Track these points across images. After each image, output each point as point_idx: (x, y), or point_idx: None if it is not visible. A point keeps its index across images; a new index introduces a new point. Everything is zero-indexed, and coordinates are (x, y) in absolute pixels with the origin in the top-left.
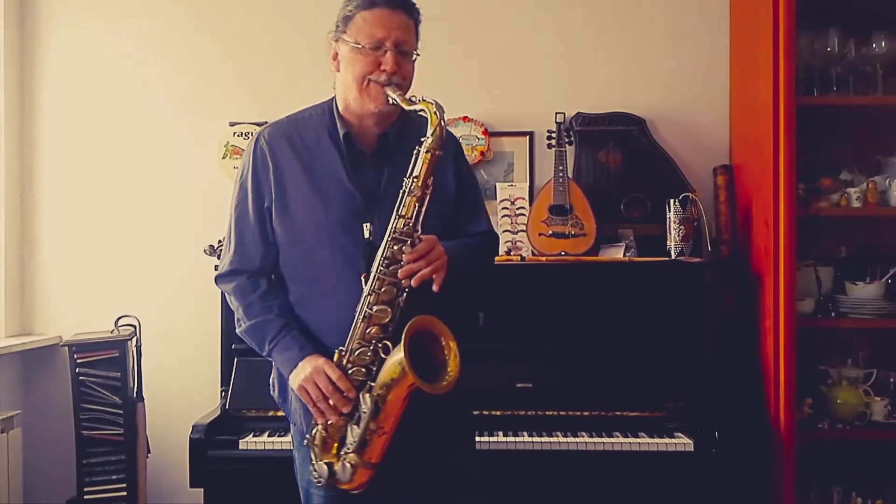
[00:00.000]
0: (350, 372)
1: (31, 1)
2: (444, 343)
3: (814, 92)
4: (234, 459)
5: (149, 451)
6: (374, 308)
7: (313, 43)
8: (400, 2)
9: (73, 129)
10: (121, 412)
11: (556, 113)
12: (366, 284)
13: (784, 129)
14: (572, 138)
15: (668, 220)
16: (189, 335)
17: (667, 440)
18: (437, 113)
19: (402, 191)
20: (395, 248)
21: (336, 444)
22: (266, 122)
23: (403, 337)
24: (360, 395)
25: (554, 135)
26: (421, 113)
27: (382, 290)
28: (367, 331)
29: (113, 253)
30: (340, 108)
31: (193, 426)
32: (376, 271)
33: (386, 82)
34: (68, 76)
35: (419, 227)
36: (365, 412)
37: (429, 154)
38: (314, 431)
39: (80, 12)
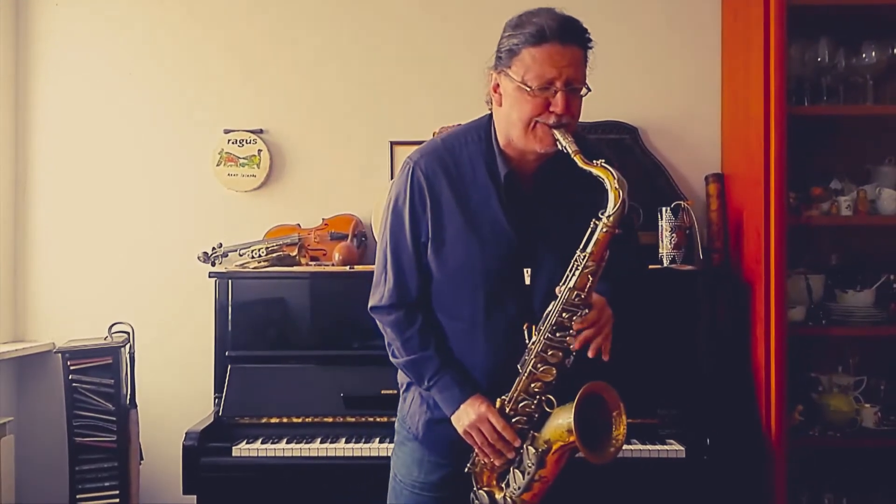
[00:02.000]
0: (513, 420)
1: (26, 10)
2: (615, 413)
3: (804, 101)
4: (228, 466)
5: (142, 458)
6: (540, 367)
7: (309, 50)
8: (572, 34)
9: (68, 136)
10: (114, 419)
11: None
12: (530, 340)
13: (775, 138)
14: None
15: (660, 228)
16: (182, 342)
17: (659, 447)
18: (620, 190)
19: (574, 264)
20: (566, 315)
21: (495, 477)
22: (260, 130)
23: (575, 402)
24: (525, 447)
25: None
26: (598, 179)
27: (549, 352)
28: (531, 385)
29: (106, 260)
30: (501, 143)
31: (186, 433)
32: (545, 335)
33: (555, 124)
34: (63, 84)
35: (591, 297)
36: (531, 466)
37: (606, 233)
38: (475, 460)
39: (74, 20)
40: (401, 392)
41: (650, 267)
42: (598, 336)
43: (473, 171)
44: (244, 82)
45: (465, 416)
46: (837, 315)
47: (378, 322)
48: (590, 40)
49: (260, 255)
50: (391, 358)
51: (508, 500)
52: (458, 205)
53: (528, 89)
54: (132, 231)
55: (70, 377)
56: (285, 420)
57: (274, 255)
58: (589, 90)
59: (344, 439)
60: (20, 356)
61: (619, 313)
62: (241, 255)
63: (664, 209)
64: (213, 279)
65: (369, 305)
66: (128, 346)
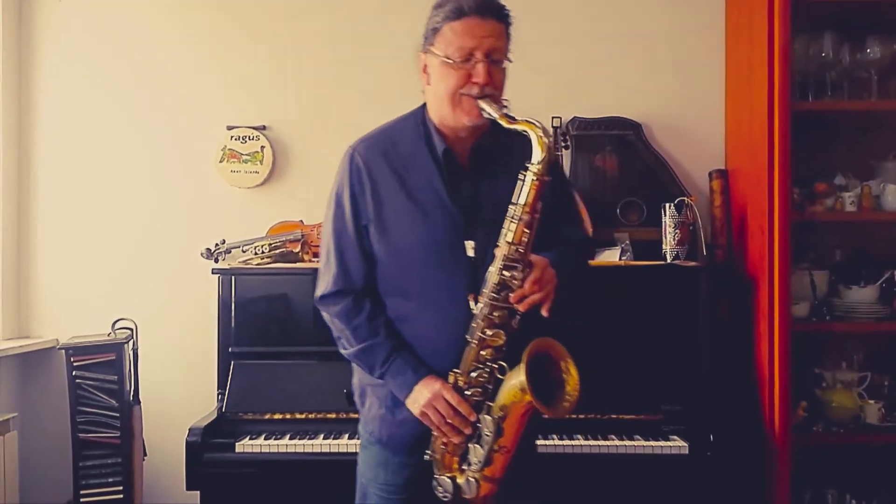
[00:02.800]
0: (467, 393)
1: (29, 6)
2: (563, 366)
3: (808, 97)
4: (231, 462)
5: (145, 454)
6: (488, 332)
7: (311, 46)
8: (489, 8)
9: (71, 133)
10: (117, 415)
11: (553, 117)
12: (476, 307)
13: (779, 133)
14: (569, 143)
15: (663, 224)
16: (186, 338)
17: (662, 443)
18: (545, 138)
19: (508, 217)
20: (507, 274)
21: (456, 460)
22: (263, 126)
23: (524, 361)
24: (481, 416)
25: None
26: (524, 133)
27: (495, 314)
28: (481, 353)
29: (110, 256)
30: (435, 122)
31: (190, 429)
32: (488, 297)
33: (479, 95)
34: (65, 80)
35: (529, 253)
36: (489, 434)
37: (537, 181)
38: (434, 446)
39: (77, 17)
40: (356, 396)
41: (653, 263)
42: (541, 293)
43: (413, 152)
44: (247, 79)
45: (420, 397)
46: (841, 311)
47: (325, 315)
48: (509, 15)
49: (263, 252)
50: (341, 350)
51: (471, 480)
52: (398, 185)
53: (451, 62)
54: (135, 227)
55: (74, 373)
56: (288, 416)
57: (277, 251)
58: (510, 62)
59: (347, 435)
60: (24, 352)
61: (564, 278)
62: (244, 252)
63: (668, 205)
64: (217, 275)
65: (316, 296)
66: (131, 343)
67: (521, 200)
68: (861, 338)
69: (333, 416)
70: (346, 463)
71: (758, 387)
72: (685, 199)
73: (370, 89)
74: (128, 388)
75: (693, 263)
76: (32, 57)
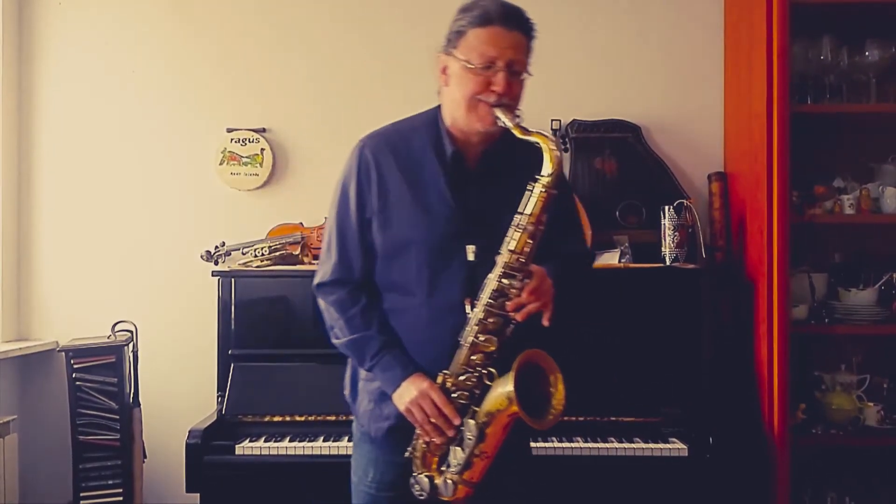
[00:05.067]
0: (454, 395)
1: (29, 8)
2: (551, 379)
3: (807, 100)
4: (231, 465)
5: (145, 457)
6: (481, 337)
7: (312, 49)
8: (516, 20)
9: (71, 135)
10: (117, 417)
11: (552, 120)
12: (471, 311)
13: (778, 136)
14: (568, 145)
15: (662, 226)
16: (186, 340)
17: (661, 445)
18: (556, 152)
19: (513, 226)
20: (506, 281)
21: (436, 460)
22: (263, 129)
23: (514, 370)
24: (465, 421)
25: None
26: (535, 145)
27: (490, 320)
28: (472, 357)
29: (110, 258)
30: (447, 123)
31: (190, 431)
32: (485, 303)
33: (495, 103)
34: (66, 82)
35: (531, 263)
36: (471, 438)
37: (545, 193)
38: (415, 445)
39: (77, 19)
40: (348, 393)
41: (653, 266)
42: (537, 303)
43: (422, 152)
44: (247, 81)
45: (407, 394)
46: (840, 313)
47: (321, 303)
48: (533, 29)
49: (263, 254)
50: (333, 340)
51: (448, 482)
52: (405, 181)
53: (472, 67)
54: (135, 230)
55: (74, 375)
56: (288, 419)
57: (277, 253)
58: (530, 75)
59: (347, 438)
60: (24, 355)
61: (562, 290)
62: (243, 254)
63: (667, 208)
64: (216, 278)
65: (314, 283)
66: (131, 345)
67: (528, 210)
68: (860, 340)
69: (333, 418)
70: (346, 465)
71: (757, 389)
72: (684, 201)
73: (370, 92)
74: (128, 390)
75: (692, 266)
76: (32, 59)
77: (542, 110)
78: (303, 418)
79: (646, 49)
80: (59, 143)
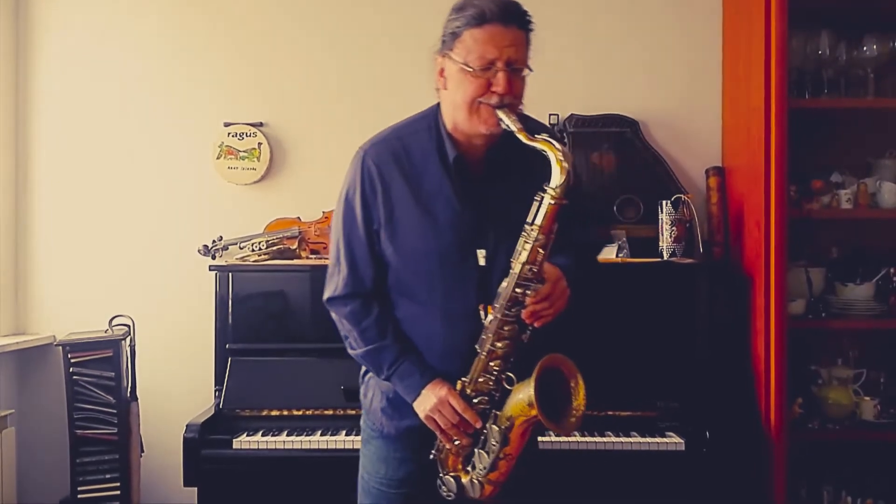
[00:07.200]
0: (475, 401)
1: (26, 2)
2: (572, 383)
3: (805, 94)
4: (228, 459)
5: (142, 451)
6: (498, 344)
7: (309, 43)
8: (512, 15)
9: (68, 129)
10: (114, 412)
11: (550, 115)
12: (486, 319)
13: (776, 131)
14: (566, 140)
15: (660, 221)
16: (183, 335)
17: (658, 439)
18: (565, 162)
19: (523, 237)
20: (520, 291)
21: (461, 461)
22: (261, 123)
23: (534, 375)
24: (488, 426)
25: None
26: (542, 152)
27: (506, 328)
28: (490, 364)
29: (107, 253)
30: (448, 127)
31: (187, 425)
32: (500, 312)
33: (498, 104)
34: (63, 77)
35: (543, 270)
36: (495, 444)
37: (554, 204)
38: (440, 447)
39: (75, 12)
40: (361, 389)
41: (650, 260)
42: (551, 309)
43: (424, 157)
44: (244, 75)
45: (427, 401)
46: (837, 308)
47: (334, 314)
48: (530, 22)
49: (260, 249)
50: (349, 350)
51: (475, 481)
52: (410, 190)
53: (470, 70)
54: (133, 224)
55: (71, 370)
56: (286, 413)
57: (274, 248)
58: (531, 70)
59: (344, 432)
60: (21, 349)
61: (575, 286)
62: (241, 249)
63: (664, 202)
64: (214, 272)
65: (325, 297)
66: (128, 339)
67: (537, 222)
68: (857, 335)
69: (331, 412)
70: (344, 459)
71: (754, 383)
72: (682, 196)
73: (368, 86)
74: (125, 384)
75: (690, 260)
76: (29, 52)
77: (540, 104)
78: (300, 412)
79: (644, 43)
80: (55, 137)
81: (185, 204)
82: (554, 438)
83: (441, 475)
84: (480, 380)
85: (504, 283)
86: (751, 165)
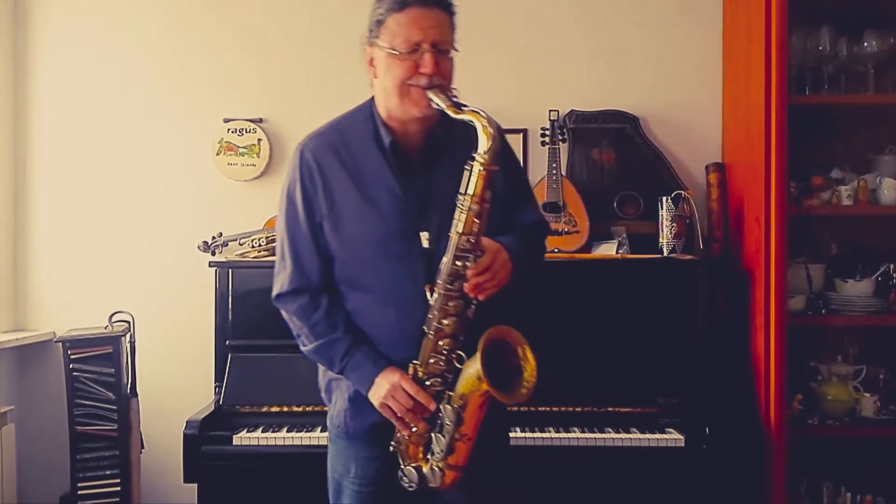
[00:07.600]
0: (428, 383)
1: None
2: (520, 353)
3: (806, 90)
4: (228, 455)
5: (142, 447)
6: (444, 322)
7: (307, 40)
8: None
9: (67, 126)
10: (114, 408)
11: (550, 110)
12: (431, 298)
13: (776, 127)
14: (566, 136)
15: (660, 217)
16: (183, 331)
17: (658, 436)
18: (490, 127)
19: (458, 207)
20: (459, 263)
21: (420, 450)
22: (260, 119)
23: (479, 349)
24: (441, 406)
25: (548, 132)
26: (470, 123)
27: (450, 304)
28: (439, 343)
29: (107, 249)
30: (383, 115)
31: (187, 422)
32: (443, 287)
33: (427, 85)
34: (62, 73)
35: (481, 241)
36: (449, 424)
37: (484, 171)
38: (399, 438)
39: (73, 10)
40: (322, 393)
41: (650, 257)
42: (493, 280)
43: (362, 147)
44: (244, 71)
45: (381, 389)
46: (837, 304)
47: (283, 313)
48: (452, 5)
49: (260, 245)
50: (301, 348)
51: (435, 468)
52: (350, 180)
53: (397, 53)
54: (132, 221)
55: (71, 366)
56: (286, 409)
57: (274, 244)
58: (457, 51)
59: None
60: (21, 345)
61: (520, 263)
62: (241, 245)
63: (664, 198)
64: (214, 268)
65: (273, 295)
66: (128, 336)
67: (470, 191)
68: (857, 331)
69: None
70: None
71: (753, 380)
72: (682, 192)
73: (368, 82)
74: (125, 380)
75: (690, 257)
76: (28, 50)
77: (540, 100)
78: (300, 409)
79: (644, 39)
80: (55, 133)
81: (185, 200)
82: (553, 434)
83: (402, 467)
84: (431, 361)
85: (444, 258)
86: (751, 162)
